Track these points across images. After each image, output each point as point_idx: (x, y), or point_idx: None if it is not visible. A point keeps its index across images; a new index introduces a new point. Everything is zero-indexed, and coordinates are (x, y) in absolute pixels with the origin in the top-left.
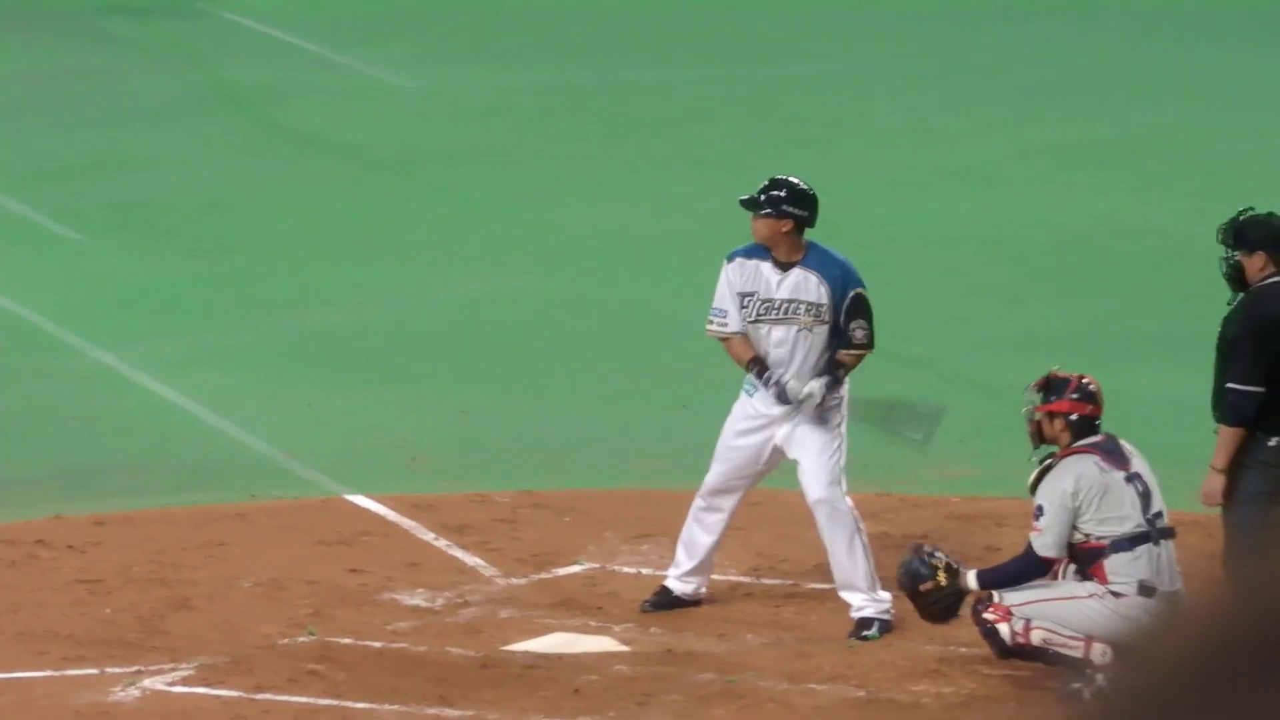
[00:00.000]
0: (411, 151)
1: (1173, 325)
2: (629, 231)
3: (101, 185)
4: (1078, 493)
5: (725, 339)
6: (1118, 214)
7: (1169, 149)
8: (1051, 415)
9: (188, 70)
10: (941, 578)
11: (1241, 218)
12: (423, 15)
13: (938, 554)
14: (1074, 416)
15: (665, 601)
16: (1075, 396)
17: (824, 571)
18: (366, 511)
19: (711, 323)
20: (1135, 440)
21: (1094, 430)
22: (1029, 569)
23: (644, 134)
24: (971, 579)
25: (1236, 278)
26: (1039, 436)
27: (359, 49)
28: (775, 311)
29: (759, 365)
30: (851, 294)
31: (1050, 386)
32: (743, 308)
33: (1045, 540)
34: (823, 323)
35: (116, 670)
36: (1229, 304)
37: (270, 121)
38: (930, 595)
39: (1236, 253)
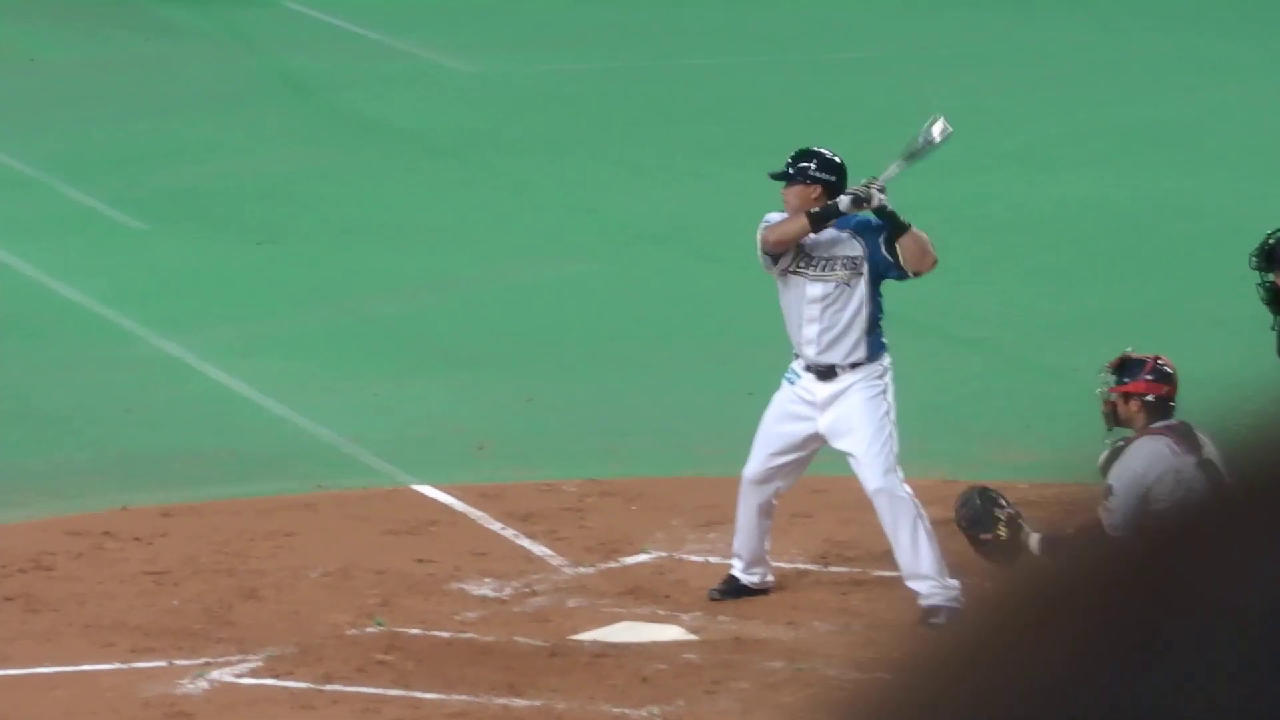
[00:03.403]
0: (469, 137)
1: (1230, 306)
2: (685, 216)
3: (160, 174)
4: (1148, 474)
5: (774, 226)
6: (1174, 195)
7: (1225, 130)
8: (1126, 396)
9: (246, 58)
10: (1002, 531)
11: (1270, 241)
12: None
13: (1003, 501)
14: (1149, 397)
15: (733, 590)
16: (1150, 377)
17: (892, 558)
18: (433, 501)
19: (763, 227)
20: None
21: (1169, 411)
22: None
23: (699, 119)
24: (1034, 542)
25: (1275, 300)
26: (1114, 418)
27: (415, 34)
28: (814, 266)
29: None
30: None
31: (1125, 367)
32: (781, 255)
33: (1115, 521)
34: (859, 274)
35: (184, 662)
36: (1272, 329)
37: (328, 108)
38: (988, 545)
39: (1270, 275)
